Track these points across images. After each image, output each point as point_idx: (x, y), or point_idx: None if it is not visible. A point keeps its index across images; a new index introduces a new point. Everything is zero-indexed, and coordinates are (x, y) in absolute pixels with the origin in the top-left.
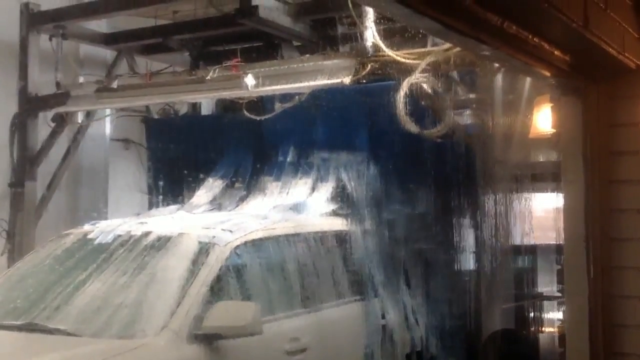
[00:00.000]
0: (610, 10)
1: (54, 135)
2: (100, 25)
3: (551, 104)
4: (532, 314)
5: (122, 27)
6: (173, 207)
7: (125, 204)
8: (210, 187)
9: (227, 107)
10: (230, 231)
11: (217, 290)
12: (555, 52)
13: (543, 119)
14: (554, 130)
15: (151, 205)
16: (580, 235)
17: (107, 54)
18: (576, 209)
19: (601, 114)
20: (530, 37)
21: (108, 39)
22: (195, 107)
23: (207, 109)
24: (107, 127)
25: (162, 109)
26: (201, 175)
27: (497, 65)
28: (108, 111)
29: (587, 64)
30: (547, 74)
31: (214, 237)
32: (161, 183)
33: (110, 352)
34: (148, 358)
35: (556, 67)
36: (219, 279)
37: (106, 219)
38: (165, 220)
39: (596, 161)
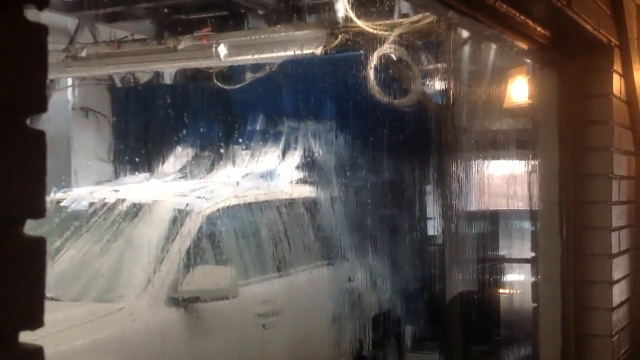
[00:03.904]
0: None
1: None
2: None
3: (528, 77)
4: (493, 276)
5: None
6: (142, 175)
7: (86, 172)
8: (179, 156)
9: (191, 76)
10: (204, 198)
11: (192, 255)
12: (538, 29)
13: (517, 90)
14: (529, 101)
15: (116, 173)
16: (554, 199)
17: (67, 22)
18: (550, 174)
19: (575, 86)
20: (517, 15)
21: (69, 6)
22: (158, 76)
23: (169, 78)
24: (69, 96)
25: (122, 77)
26: (169, 144)
27: (465, 35)
28: (70, 80)
29: (565, 39)
30: (528, 48)
31: (188, 204)
32: (127, 151)
33: (90, 315)
34: (127, 321)
35: (537, 42)
36: (194, 245)
37: (70, 187)
38: (138, 188)
39: (569, 130)
